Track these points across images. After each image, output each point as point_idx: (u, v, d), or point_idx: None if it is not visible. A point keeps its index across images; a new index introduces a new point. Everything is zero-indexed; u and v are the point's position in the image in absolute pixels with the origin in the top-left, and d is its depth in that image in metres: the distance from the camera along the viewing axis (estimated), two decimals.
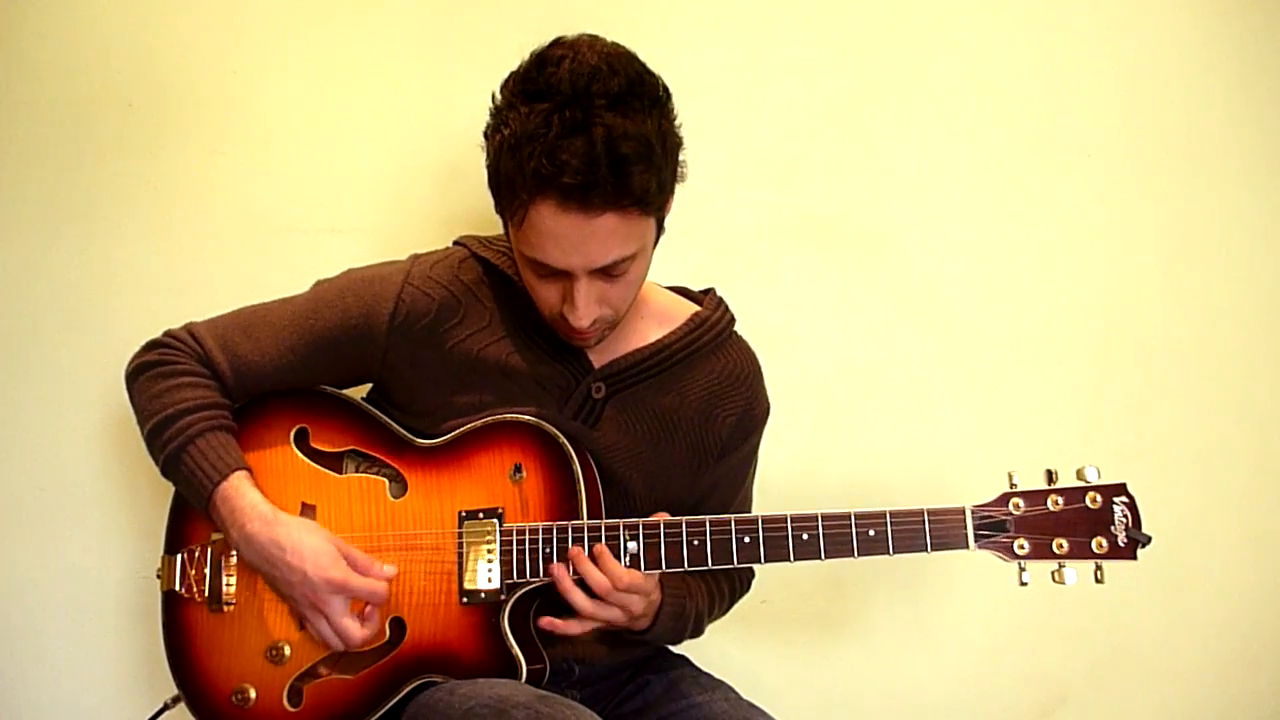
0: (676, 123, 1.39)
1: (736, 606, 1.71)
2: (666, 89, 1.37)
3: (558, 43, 1.36)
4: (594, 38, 1.36)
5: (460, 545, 1.47)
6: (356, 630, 1.42)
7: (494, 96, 1.38)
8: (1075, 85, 2.03)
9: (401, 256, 1.58)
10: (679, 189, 1.45)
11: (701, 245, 1.96)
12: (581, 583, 1.42)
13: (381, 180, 1.93)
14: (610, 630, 1.56)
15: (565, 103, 1.28)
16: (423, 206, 1.92)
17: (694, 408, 1.56)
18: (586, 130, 1.27)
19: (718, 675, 1.63)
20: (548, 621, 1.43)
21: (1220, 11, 2.07)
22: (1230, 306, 2.05)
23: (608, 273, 1.38)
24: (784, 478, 1.88)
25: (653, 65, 1.39)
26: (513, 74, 1.37)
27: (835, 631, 1.99)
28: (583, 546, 1.43)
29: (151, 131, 1.91)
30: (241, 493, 1.45)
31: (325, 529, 1.47)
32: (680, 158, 1.41)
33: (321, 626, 1.43)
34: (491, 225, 1.49)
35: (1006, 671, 2.01)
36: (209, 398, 1.50)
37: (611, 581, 1.40)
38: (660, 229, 1.45)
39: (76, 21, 1.90)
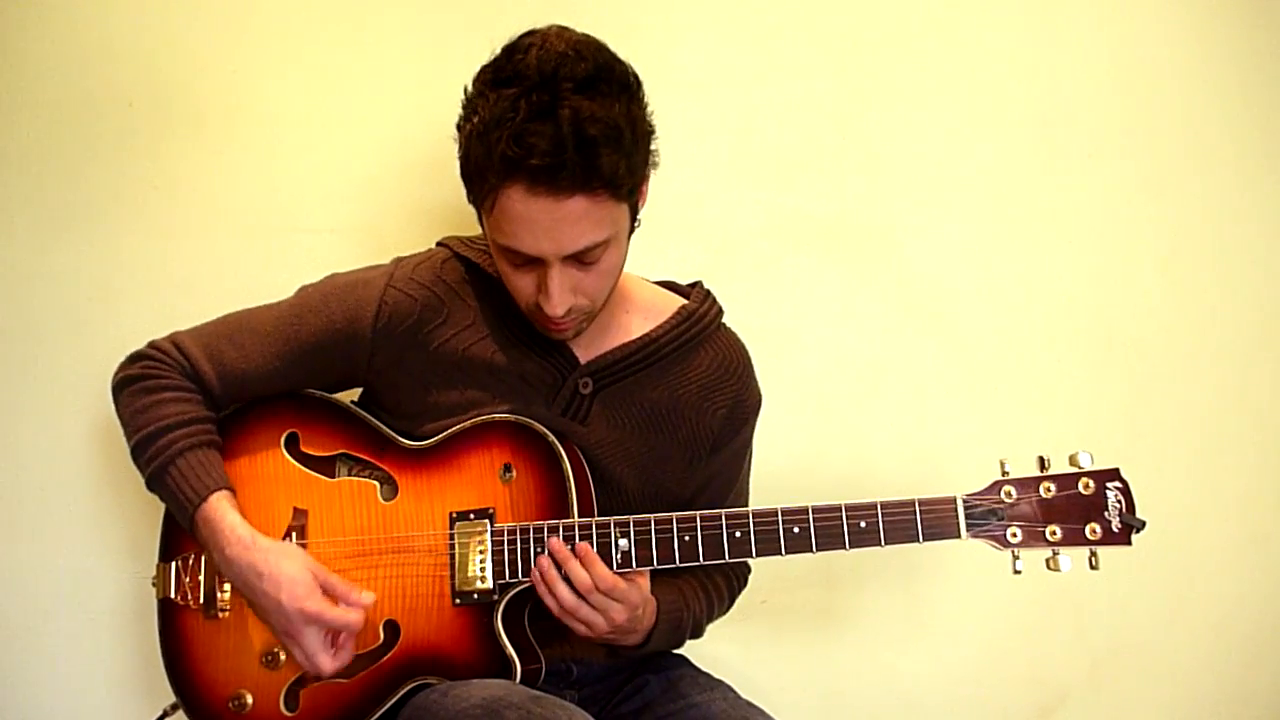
0: (648, 111, 1.39)
1: (736, 605, 1.69)
2: (637, 77, 1.38)
3: (527, 34, 1.36)
4: (563, 28, 1.37)
5: (452, 546, 1.46)
6: (328, 663, 1.42)
7: (465, 89, 1.39)
8: (1075, 85, 2.03)
9: (402, 255, 1.59)
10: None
11: (701, 245, 1.95)
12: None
13: (381, 180, 1.93)
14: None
15: (533, 87, 1.29)
16: (422, 206, 1.92)
17: (684, 401, 1.56)
18: (553, 113, 1.28)
19: (717, 675, 1.61)
20: (539, 579, 1.41)
21: (1220, 12, 2.07)
22: (1229, 306, 2.05)
23: (580, 260, 1.37)
24: (781, 473, 1.87)
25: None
26: (484, 66, 1.38)
27: (835, 632, 1.98)
28: (574, 545, 1.42)
29: (152, 131, 1.91)
30: (222, 514, 1.45)
31: (306, 555, 1.47)
32: (652, 146, 1.40)
33: (296, 653, 1.43)
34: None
35: (1006, 671, 2.00)
36: (192, 413, 1.51)
37: (594, 581, 1.39)
38: (634, 218, 1.44)
39: (77, 21, 1.91)
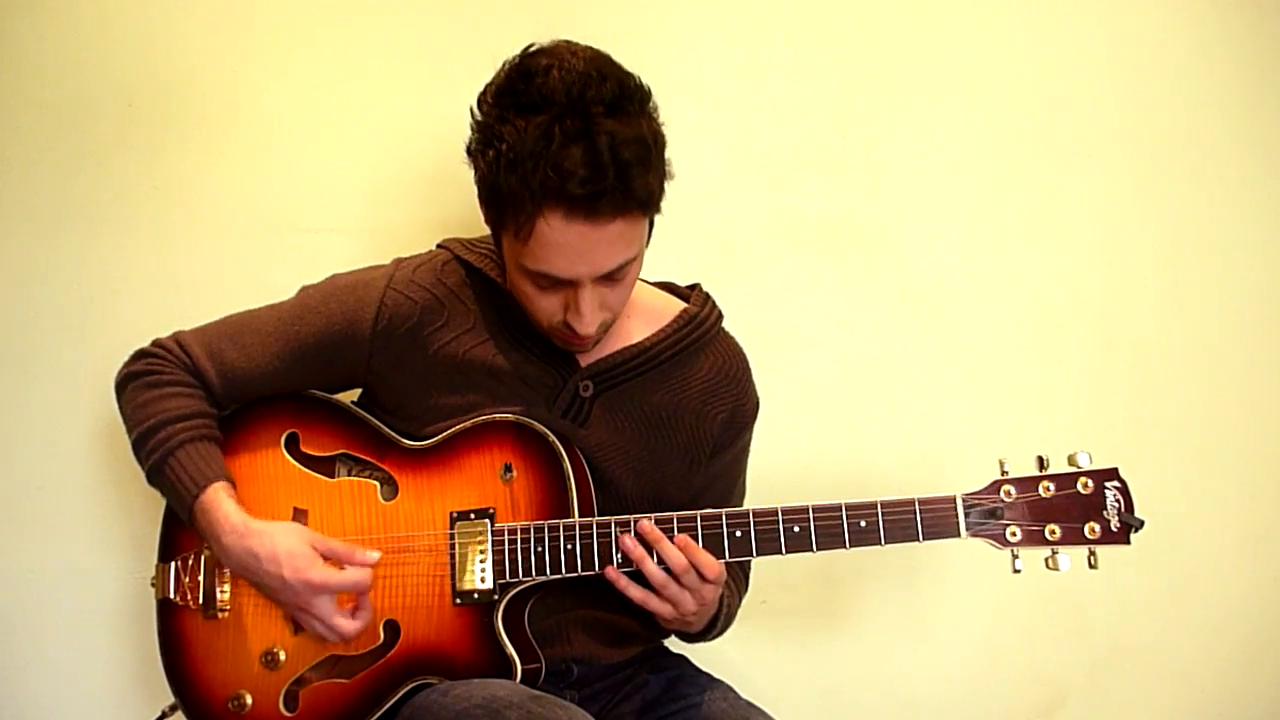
0: (660, 121, 1.39)
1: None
2: (648, 88, 1.37)
3: (536, 52, 1.35)
4: (570, 43, 1.36)
5: (452, 546, 1.46)
6: (348, 625, 1.42)
7: (473, 111, 1.38)
8: (1075, 85, 2.03)
9: (403, 255, 1.59)
10: (676, 185, 1.44)
11: (701, 245, 1.96)
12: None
13: (381, 180, 1.93)
14: (612, 629, 1.57)
15: (563, 113, 1.28)
16: (423, 206, 1.92)
17: (685, 406, 1.56)
18: (590, 139, 1.27)
19: (717, 675, 1.62)
20: (614, 572, 1.41)
21: (1220, 12, 2.07)
22: (1229, 306, 2.05)
23: (610, 277, 1.38)
24: (781, 473, 1.87)
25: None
26: (493, 87, 1.37)
27: (835, 632, 1.98)
28: (575, 545, 1.42)
29: (152, 131, 1.91)
30: (218, 504, 1.46)
31: (301, 528, 1.47)
32: (666, 155, 1.40)
33: (314, 626, 1.44)
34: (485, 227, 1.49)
35: (1006, 671, 2.00)
36: (194, 407, 1.51)
37: (701, 570, 1.39)
38: (651, 228, 1.44)
39: (77, 21, 1.91)
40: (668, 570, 1.40)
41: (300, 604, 1.42)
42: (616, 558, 1.42)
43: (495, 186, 1.34)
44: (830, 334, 1.99)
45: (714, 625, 1.54)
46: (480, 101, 1.38)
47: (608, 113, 1.29)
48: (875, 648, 1.98)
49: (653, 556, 1.40)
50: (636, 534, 1.41)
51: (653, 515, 1.42)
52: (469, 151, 1.39)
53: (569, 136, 1.28)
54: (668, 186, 1.42)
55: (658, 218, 1.45)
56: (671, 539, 1.40)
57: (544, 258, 1.34)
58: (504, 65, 1.37)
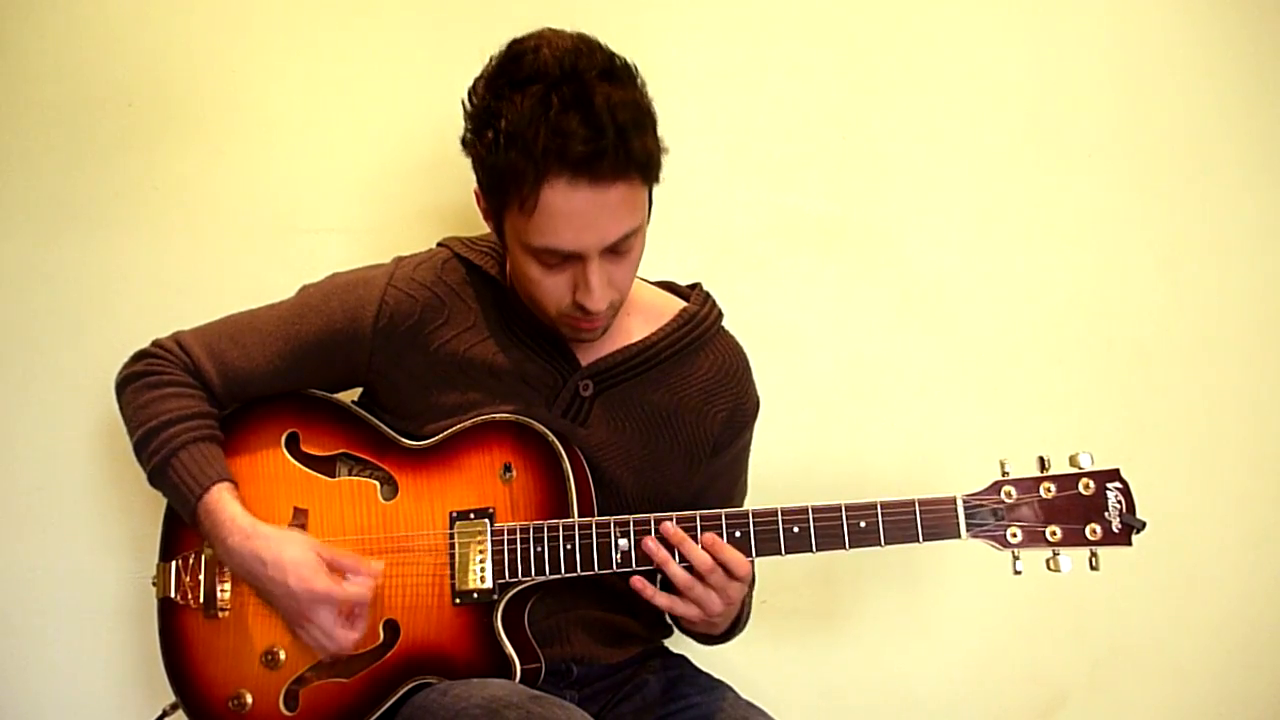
0: (650, 99, 1.39)
1: None
2: (635, 67, 1.38)
3: (521, 39, 1.36)
4: (554, 30, 1.37)
5: (452, 546, 1.46)
6: (346, 636, 1.42)
7: (465, 104, 1.38)
8: (1075, 85, 2.03)
9: (403, 254, 1.59)
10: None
11: (701, 245, 1.96)
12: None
13: (382, 180, 1.93)
14: (612, 629, 1.57)
15: (559, 80, 1.29)
16: (423, 207, 1.92)
17: (685, 405, 1.55)
18: (587, 101, 1.28)
19: (716, 675, 1.61)
20: (640, 581, 1.40)
21: (1220, 12, 2.07)
22: (1229, 306, 2.05)
23: (615, 250, 1.37)
24: (781, 473, 1.87)
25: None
26: (483, 77, 1.37)
27: (835, 632, 1.98)
28: (574, 545, 1.42)
29: (152, 131, 1.91)
30: (223, 505, 1.46)
31: (307, 536, 1.47)
32: (660, 133, 1.40)
33: (312, 635, 1.43)
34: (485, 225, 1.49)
35: (1006, 671, 2.00)
36: (195, 408, 1.51)
37: (730, 568, 1.38)
38: (650, 206, 1.44)
39: (77, 21, 1.91)
40: (692, 571, 1.39)
41: (302, 612, 1.42)
42: (615, 558, 1.41)
43: (496, 167, 1.34)
44: (830, 334, 1.99)
45: (736, 625, 1.54)
46: (471, 93, 1.39)
47: (601, 78, 1.30)
48: (875, 648, 1.98)
49: (675, 557, 1.39)
50: (659, 535, 1.40)
51: (653, 515, 1.41)
52: (464, 143, 1.40)
53: (566, 102, 1.28)
54: (670, 184, 1.42)
55: (659, 217, 1.45)
56: (697, 539, 1.39)
57: (550, 229, 1.34)
58: (490, 59, 1.38)
